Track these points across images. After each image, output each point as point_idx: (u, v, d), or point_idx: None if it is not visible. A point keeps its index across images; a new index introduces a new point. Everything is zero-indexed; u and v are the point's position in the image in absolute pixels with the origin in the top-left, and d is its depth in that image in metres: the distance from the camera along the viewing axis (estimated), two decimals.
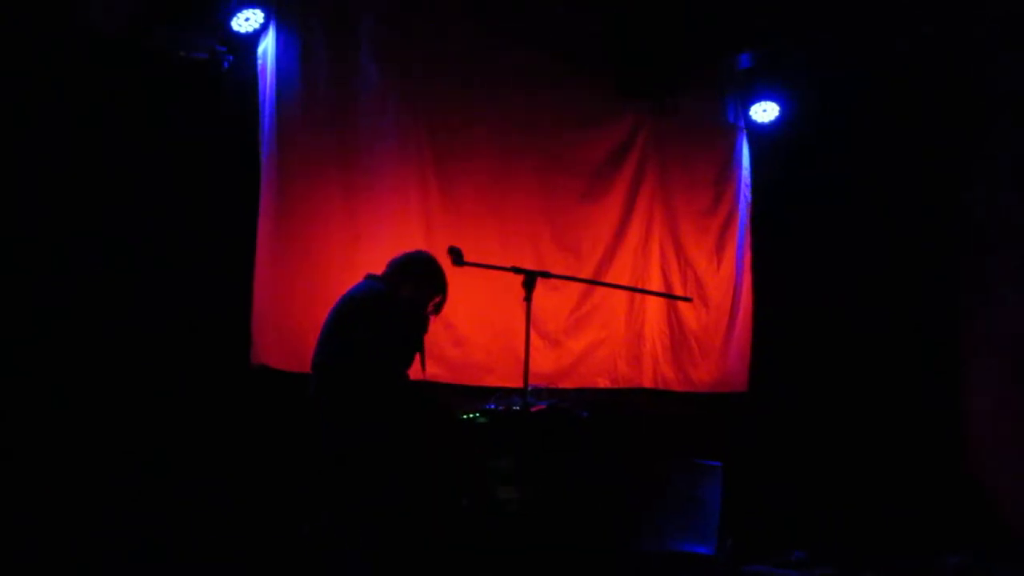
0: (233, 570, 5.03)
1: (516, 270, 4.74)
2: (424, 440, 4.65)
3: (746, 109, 6.98)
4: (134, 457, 5.10)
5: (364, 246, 5.82)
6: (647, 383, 6.70)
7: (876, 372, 6.83)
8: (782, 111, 6.87)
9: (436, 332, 5.98)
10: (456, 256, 4.64)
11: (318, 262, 5.73)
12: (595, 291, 6.52)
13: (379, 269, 5.82)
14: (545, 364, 6.24)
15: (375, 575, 4.29)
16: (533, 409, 5.06)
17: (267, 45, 5.66)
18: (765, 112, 6.90)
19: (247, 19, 5.51)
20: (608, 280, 6.54)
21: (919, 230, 6.98)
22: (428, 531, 4.54)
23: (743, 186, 7.13)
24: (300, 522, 4.68)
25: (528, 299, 4.67)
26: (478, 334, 6.13)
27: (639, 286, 6.66)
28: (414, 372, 5.72)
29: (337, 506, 4.34)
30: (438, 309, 4.72)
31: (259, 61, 5.65)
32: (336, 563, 4.31)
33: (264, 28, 5.61)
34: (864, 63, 6.65)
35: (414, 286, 4.61)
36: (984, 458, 6.58)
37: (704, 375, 6.85)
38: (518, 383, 4.93)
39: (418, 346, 4.56)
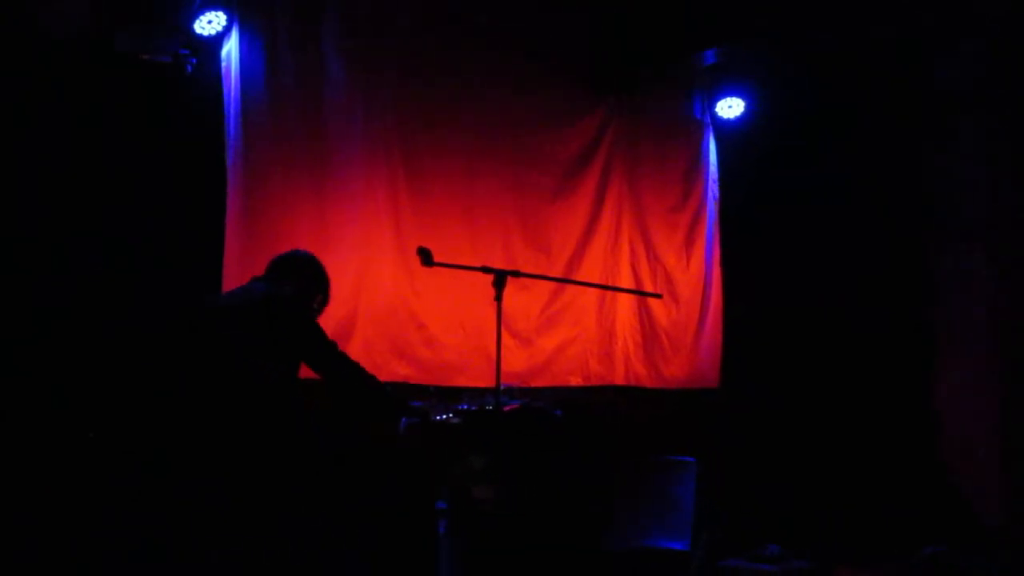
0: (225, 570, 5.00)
1: (486, 269, 4.72)
2: (395, 444, 4.63)
3: (712, 105, 7.03)
4: (119, 458, 5.07)
5: (333, 247, 5.76)
6: (619, 380, 6.71)
7: (849, 367, 6.85)
8: (748, 107, 6.93)
9: (407, 333, 5.99)
10: (425, 256, 4.61)
11: None
12: (566, 289, 6.52)
13: (348, 270, 5.83)
14: (517, 363, 6.23)
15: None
16: (506, 409, 5.05)
17: (231, 48, 5.60)
18: (731, 108, 6.95)
19: (210, 21, 5.46)
20: (578, 278, 6.55)
21: (889, 224, 7.01)
22: (406, 533, 4.53)
23: (711, 182, 7.16)
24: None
25: (499, 298, 4.65)
26: (449, 334, 6.10)
27: (609, 284, 6.67)
28: (391, 373, 5.79)
29: (310, 511, 4.31)
30: (320, 309, 4.66)
31: (223, 64, 5.59)
32: (334, 563, 4.29)
33: (227, 30, 5.56)
34: (828, 58, 6.68)
35: (296, 286, 4.55)
36: (957, 452, 6.63)
37: (676, 371, 6.87)
38: (490, 383, 4.92)
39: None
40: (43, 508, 4.82)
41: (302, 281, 4.57)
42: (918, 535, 5.96)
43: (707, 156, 7.17)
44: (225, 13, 5.50)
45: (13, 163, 5.06)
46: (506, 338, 5.79)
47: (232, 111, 5.59)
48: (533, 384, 6.13)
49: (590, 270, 6.64)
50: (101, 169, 5.25)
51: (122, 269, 5.25)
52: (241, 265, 5.52)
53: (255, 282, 4.57)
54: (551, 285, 6.44)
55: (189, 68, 5.45)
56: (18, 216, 5.06)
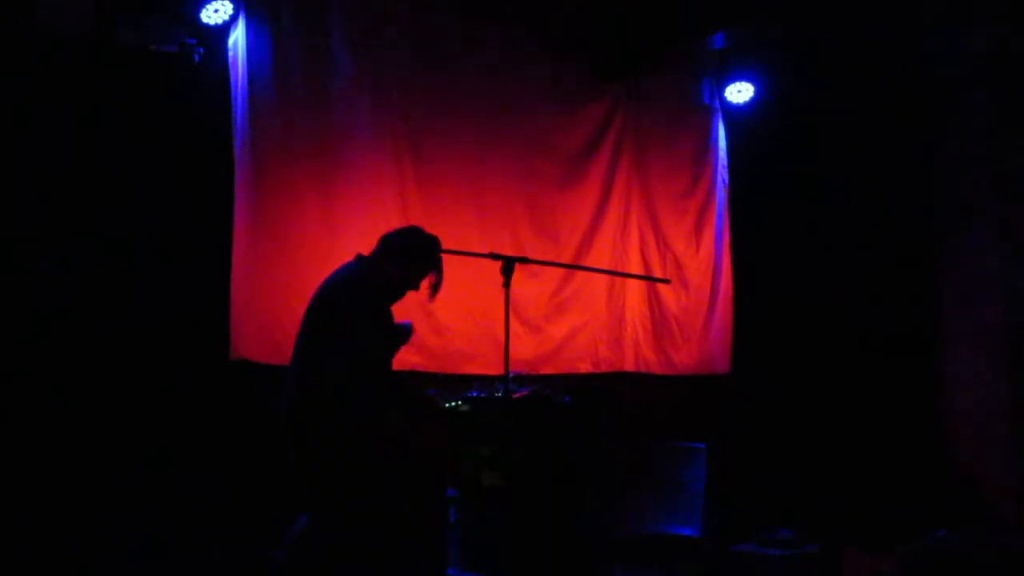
0: (224, 569, 5.03)
1: (494, 256, 4.73)
2: (411, 432, 4.64)
3: (721, 90, 6.99)
4: (122, 456, 5.08)
5: (341, 236, 5.77)
6: (629, 367, 6.71)
7: (859, 352, 6.84)
8: (757, 91, 6.89)
9: (416, 321, 5.98)
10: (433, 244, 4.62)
11: (296, 254, 5.69)
12: (575, 276, 6.52)
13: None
14: (526, 350, 6.23)
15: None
16: (515, 396, 5.05)
17: (237, 36, 5.60)
18: (740, 93, 6.91)
19: (216, 10, 5.45)
20: (588, 264, 6.54)
21: (896, 212, 6.99)
22: (416, 521, 4.53)
23: (720, 168, 7.13)
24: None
25: (507, 285, 4.66)
26: (458, 322, 6.10)
27: (618, 270, 6.66)
28: (400, 361, 5.78)
29: (328, 507, 4.31)
30: (435, 290, 4.60)
31: (230, 53, 5.59)
32: (335, 564, 4.30)
33: (234, 19, 5.55)
34: (838, 42, 6.65)
35: (404, 264, 4.51)
36: (965, 436, 6.62)
37: (686, 357, 6.86)
38: (499, 370, 4.93)
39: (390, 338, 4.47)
40: (43, 508, 4.83)
41: (411, 259, 4.51)
42: (926, 520, 5.95)
43: (716, 141, 7.14)
44: (231, 2, 5.49)
45: (13, 162, 5.05)
46: (515, 325, 5.81)
47: (239, 100, 5.59)
48: (542, 371, 6.12)
49: (599, 257, 6.63)
50: (104, 163, 5.24)
51: (125, 263, 5.26)
52: (249, 253, 5.54)
53: (357, 259, 4.52)
54: (560, 272, 6.43)
55: (196, 58, 5.45)
56: (18, 216, 5.05)
